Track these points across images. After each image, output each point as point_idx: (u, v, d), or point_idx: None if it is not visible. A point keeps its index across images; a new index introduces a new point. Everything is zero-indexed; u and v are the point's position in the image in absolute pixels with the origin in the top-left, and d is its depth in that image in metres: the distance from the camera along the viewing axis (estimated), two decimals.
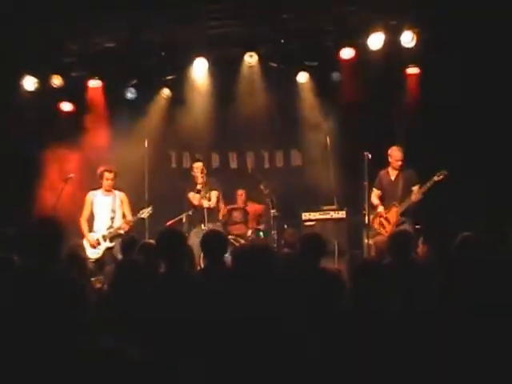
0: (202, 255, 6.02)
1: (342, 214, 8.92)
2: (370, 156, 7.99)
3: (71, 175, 8.60)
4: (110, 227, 8.40)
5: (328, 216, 8.97)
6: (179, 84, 9.83)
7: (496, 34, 8.07)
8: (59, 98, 9.85)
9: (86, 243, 8.27)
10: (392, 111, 9.38)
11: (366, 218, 8.11)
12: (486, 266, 4.05)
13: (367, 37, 8.68)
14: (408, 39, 8.57)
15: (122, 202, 8.60)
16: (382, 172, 8.51)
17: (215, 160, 11.11)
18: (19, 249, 3.77)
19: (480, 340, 3.48)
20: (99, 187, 8.57)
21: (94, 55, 9.45)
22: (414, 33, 8.52)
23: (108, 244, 8.36)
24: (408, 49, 8.70)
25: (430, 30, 8.59)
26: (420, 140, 8.90)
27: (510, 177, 8.38)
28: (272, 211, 9.40)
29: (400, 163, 8.29)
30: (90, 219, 8.55)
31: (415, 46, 8.60)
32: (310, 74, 9.73)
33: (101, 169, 8.52)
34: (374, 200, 8.46)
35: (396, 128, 9.19)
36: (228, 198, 9.88)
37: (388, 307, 3.47)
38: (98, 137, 9.76)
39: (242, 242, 9.10)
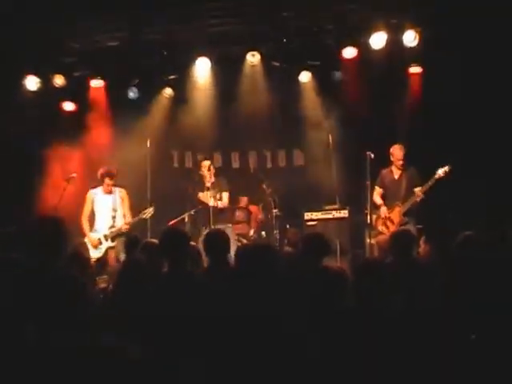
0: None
1: (344, 214, 8.90)
2: (372, 155, 8.00)
3: (73, 175, 8.59)
4: (112, 226, 8.40)
5: (330, 215, 8.95)
6: (181, 83, 9.83)
7: (498, 33, 8.06)
8: (61, 98, 9.87)
9: (87, 242, 8.27)
10: (394, 110, 9.37)
11: (368, 217, 8.11)
12: (487, 264, 4.05)
13: (369, 36, 8.67)
14: (410, 38, 8.55)
15: (122, 200, 8.60)
16: (385, 171, 8.50)
17: (217, 160, 11.09)
18: (20, 248, 3.77)
19: (481, 338, 3.49)
20: (99, 185, 8.59)
21: (96, 54, 9.46)
22: (416, 32, 8.51)
23: (110, 243, 8.36)
24: (410, 48, 8.69)
25: (432, 29, 8.56)
26: (422, 139, 8.88)
27: (511, 175, 8.37)
28: (274, 211, 9.40)
29: (402, 162, 8.29)
30: (91, 218, 8.56)
31: (417, 45, 8.58)
32: (313, 74, 9.72)
33: (101, 171, 8.52)
34: (377, 199, 8.45)
35: (398, 127, 9.17)
36: (231, 196, 9.87)
37: (390, 306, 3.47)
38: (100, 136, 9.77)
39: (245, 241, 9.10)
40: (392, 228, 8.10)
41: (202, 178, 8.98)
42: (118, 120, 9.90)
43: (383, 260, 5.36)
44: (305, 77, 9.76)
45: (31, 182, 9.32)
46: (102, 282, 5.48)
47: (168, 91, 10.17)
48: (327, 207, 9.09)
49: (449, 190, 8.31)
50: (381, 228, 8.31)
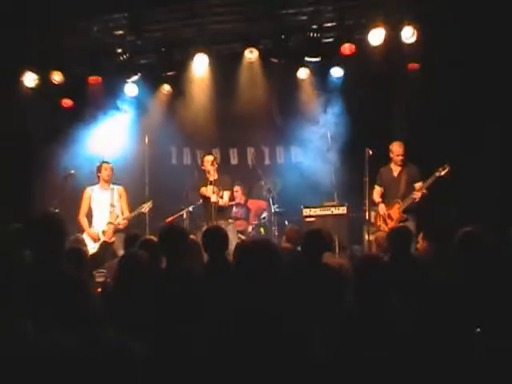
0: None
1: (342, 210, 8.91)
2: (370, 152, 8.00)
3: (72, 171, 8.60)
4: (110, 222, 8.39)
5: (328, 212, 8.96)
6: (179, 80, 9.81)
7: (497, 30, 8.07)
8: (59, 95, 9.85)
9: (86, 237, 8.24)
10: (392, 107, 9.37)
11: (367, 214, 8.11)
12: (486, 261, 4.06)
13: (367, 32, 8.67)
14: (408, 35, 8.55)
15: (120, 196, 8.59)
16: (384, 168, 8.50)
17: (216, 156, 11.08)
18: (21, 244, 3.78)
19: (480, 335, 3.49)
20: (96, 183, 8.59)
21: (94, 51, 9.44)
22: (415, 28, 8.51)
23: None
24: (408, 44, 8.69)
25: (430, 26, 8.57)
26: (421, 136, 8.88)
27: (511, 172, 8.39)
28: (273, 207, 9.41)
29: (401, 158, 8.29)
30: (89, 215, 8.54)
31: (416, 41, 8.58)
32: (311, 70, 9.71)
33: (97, 164, 8.55)
34: (376, 197, 8.46)
35: (397, 124, 9.18)
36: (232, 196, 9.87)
37: (389, 303, 3.48)
38: (99, 133, 9.76)
39: (243, 238, 9.11)
40: (391, 225, 8.09)
41: (204, 172, 8.95)
42: (116, 117, 9.91)
43: (382, 256, 5.37)
44: (303, 73, 9.74)
45: (31, 180, 9.32)
46: (100, 277, 5.47)
47: (166, 88, 10.16)
48: (326, 203, 9.09)
49: (448, 188, 8.32)
50: (380, 224, 8.31)
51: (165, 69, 9.85)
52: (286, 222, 9.28)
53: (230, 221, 8.95)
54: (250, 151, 11.27)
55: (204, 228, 8.41)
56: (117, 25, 9.10)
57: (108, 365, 2.29)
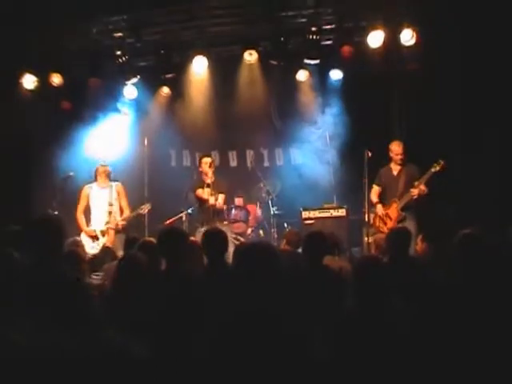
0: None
1: (341, 212, 8.91)
2: (369, 153, 8.00)
3: (71, 173, 8.60)
4: (108, 222, 8.38)
5: (328, 214, 8.96)
6: (179, 82, 9.82)
7: (496, 31, 8.08)
8: (59, 97, 9.85)
9: (84, 237, 8.23)
10: (392, 109, 9.38)
11: (366, 215, 8.11)
12: (486, 262, 4.05)
13: (367, 35, 8.69)
14: (408, 37, 8.57)
15: (118, 194, 8.55)
16: (383, 169, 8.51)
17: (215, 158, 11.07)
18: (20, 246, 3.78)
19: (480, 337, 3.49)
20: (95, 181, 8.59)
21: (94, 53, 9.45)
22: (414, 31, 8.53)
23: (106, 239, 8.33)
24: (407, 47, 8.70)
25: (430, 28, 8.58)
26: (420, 136, 8.89)
27: (510, 170, 8.39)
28: (272, 209, 9.41)
29: (400, 157, 8.30)
30: (87, 214, 8.52)
31: (415, 43, 8.60)
32: (310, 72, 9.73)
33: (97, 165, 8.57)
34: (373, 197, 8.46)
35: (396, 123, 9.19)
36: (228, 196, 9.85)
37: (389, 304, 3.48)
38: (98, 135, 9.76)
39: (242, 240, 9.10)
40: (390, 224, 8.09)
41: (201, 174, 8.95)
42: (115, 119, 9.92)
43: (381, 258, 5.37)
44: (302, 75, 9.76)
45: (29, 181, 9.31)
46: (96, 280, 5.46)
47: (165, 90, 10.16)
48: (325, 206, 9.10)
49: (447, 187, 8.33)
50: (379, 225, 8.31)
51: (164, 71, 9.85)
52: (285, 225, 9.28)
53: (225, 223, 8.95)
54: (250, 153, 11.26)
55: (200, 230, 8.47)
56: (116, 27, 9.11)
57: (107, 366, 2.29)
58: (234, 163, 11.44)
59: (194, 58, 9.26)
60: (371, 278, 3.51)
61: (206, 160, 8.86)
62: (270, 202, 9.52)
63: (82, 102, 9.82)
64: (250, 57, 9.27)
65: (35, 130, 9.39)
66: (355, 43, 8.98)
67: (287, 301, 3.21)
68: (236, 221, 9.57)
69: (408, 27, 8.54)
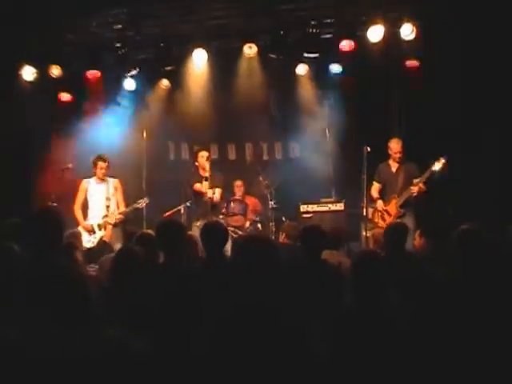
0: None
1: (340, 207, 8.93)
2: (368, 149, 8.00)
3: (69, 165, 8.61)
4: (106, 216, 8.40)
5: (326, 208, 8.98)
6: (178, 75, 9.80)
7: (496, 27, 8.06)
8: (58, 89, 9.84)
9: (82, 231, 8.23)
10: (391, 104, 9.37)
11: (364, 210, 8.12)
12: (485, 258, 4.06)
13: (367, 29, 8.67)
14: (408, 32, 8.56)
15: (115, 189, 8.59)
16: (382, 165, 8.52)
17: (214, 151, 11.05)
18: (20, 238, 3.78)
19: (478, 331, 3.50)
20: (93, 175, 8.59)
21: (94, 46, 9.43)
22: (414, 25, 8.51)
23: (103, 233, 8.34)
24: (407, 41, 8.69)
25: (429, 23, 8.56)
26: (420, 133, 8.89)
27: (510, 169, 8.39)
28: (270, 203, 9.41)
29: (399, 155, 8.32)
30: (84, 208, 8.54)
31: (415, 38, 8.58)
32: (310, 66, 9.71)
33: (94, 157, 8.54)
34: (374, 193, 8.48)
35: (395, 121, 9.18)
36: (226, 189, 9.87)
37: (386, 298, 3.49)
38: (97, 127, 9.75)
39: (240, 233, 9.11)
40: (389, 220, 8.11)
41: (198, 169, 8.96)
42: (114, 111, 9.91)
43: (379, 253, 5.37)
44: (302, 69, 9.74)
45: (28, 173, 9.30)
46: (92, 272, 5.46)
47: (165, 83, 10.15)
48: (323, 200, 9.11)
49: (448, 185, 8.33)
50: (378, 221, 8.32)
51: (163, 64, 9.84)
52: (284, 218, 9.29)
53: (221, 217, 8.96)
54: (249, 147, 11.27)
55: (196, 225, 8.49)
56: (116, 20, 9.09)
57: (106, 360, 2.30)
58: (232, 156, 11.44)
59: (193, 51, 9.23)
60: (369, 273, 3.52)
61: (203, 154, 8.88)
62: (268, 196, 9.51)
63: (82, 95, 9.81)
64: (250, 50, 9.25)
65: (34, 122, 9.35)
66: (355, 37, 8.96)
67: (286, 293, 3.22)
68: (234, 214, 9.57)
69: (408, 21, 8.53)
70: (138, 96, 10.12)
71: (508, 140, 8.47)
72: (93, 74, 9.60)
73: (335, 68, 9.61)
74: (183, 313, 3.66)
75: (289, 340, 2.87)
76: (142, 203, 8.54)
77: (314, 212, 8.96)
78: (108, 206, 8.46)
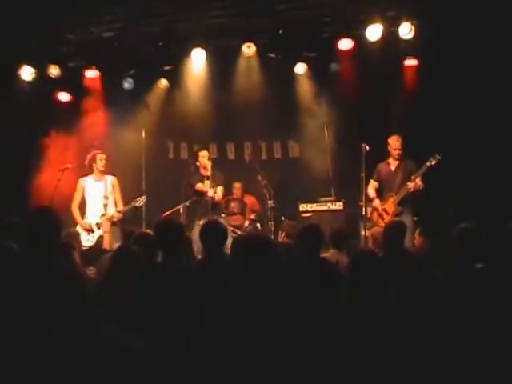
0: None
1: (339, 206, 8.95)
2: (367, 147, 8.00)
3: (68, 165, 8.59)
4: (104, 215, 8.38)
5: (325, 207, 8.99)
6: (177, 74, 9.80)
7: (495, 26, 8.06)
8: (56, 88, 9.83)
9: (79, 229, 8.22)
10: (390, 103, 9.37)
11: (363, 209, 8.12)
12: (484, 257, 4.06)
13: (365, 28, 8.67)
14: (406, 31, 8.55)
15: (113, 187, 8.55)
16: (382, 163, 8.53)
17: (213, 150, 11.06)
18: (18, 237, 3.78)
19: (478, 331, 3.50)
20: (90, 173, 8.56)
21: (92, 45, 9.43)
22: (412, 24, 8.51)
23: (101, 232, 8.33)
24: (406, 40, 8.69)
25: (428, 22, 8.56)
26: (418, 131, 8.89)
27: (510, 168, 8.39)
28: (269, 202, 9.41)
29: (398, 152, 8.32)
30: (82, 207, 8.52)
31: (413, 37, 8.59)
32: (308, 65, 9.71)
33: (92, 152, 8.53)
34: (370, 192, 8.47)
35: (394, 119, 9.18)
36: (226, 188, 9.87)
37: (385, 297, 3.49)
38: (96, 127, 9.75)
39: (239, 232, 9.12)
40: (387, 219, 8.11)
41: (198, 168, 8.97)
42: (113, 110, 9.90)
43: (377, 251, 5.38)
44: (300, 68, 9.75)
45: (28, 173, 9.30)
46: (90, 274, 5.45)
47: (163, 82, 10.15)
48: (322, 199, 9.11)
49: (446, 183, 8.33)
50: (376, 219, 8.32)
51: (162, 63, 9.85)
52: (283, 217, 9.29)
53: (223, 215, 8.97)
54: (247, 146, 11.27)
55: (198, 223, 8.49)
56: (115, 18, 9.08)
57: (105, 359, 2.30)
58: (231, 155, 11.45)
59: (192, 50, 9.23)
60: (367, 271, 3.53)
61: (204, 153, 8.89)
62: (267, 195, 9.52)
63: (80, 94, 9.80)
64: (249, 49, 9.24)
65: (32, 122, 9.34)
66: (354, 36, 8.96)
67: (285, 292, 3.22)
68: (233, 213, 9.59)
69: (407, 21, 8.53)
70: (137, 95, 10.11)
71: (508, 140, 8.46)
72: (91, 73, 9.60)
73: (334, 67, 9.60)
74: (183, 312, 3.66)
75: (288, 338, 2.87)
76: (141, 201, 8.52)
77: (313, 211, 8.98)
78: (106, 205, 8.42)
